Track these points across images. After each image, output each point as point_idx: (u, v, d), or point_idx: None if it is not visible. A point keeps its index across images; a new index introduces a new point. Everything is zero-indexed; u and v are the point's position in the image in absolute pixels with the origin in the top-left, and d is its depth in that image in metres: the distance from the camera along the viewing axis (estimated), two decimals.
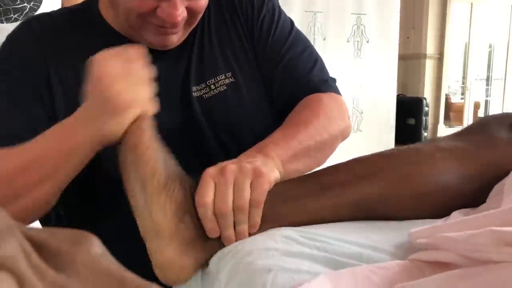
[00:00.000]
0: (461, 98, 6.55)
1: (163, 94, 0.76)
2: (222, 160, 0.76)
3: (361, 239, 0.55)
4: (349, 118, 0.81)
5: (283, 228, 0.57)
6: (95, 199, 0.76)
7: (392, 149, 0.64)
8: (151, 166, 0.55)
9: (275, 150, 0.64)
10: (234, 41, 0.80)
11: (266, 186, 0.57)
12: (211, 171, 0.58)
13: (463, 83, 6.48)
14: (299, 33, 0.85)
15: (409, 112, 5.15)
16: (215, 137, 0.77)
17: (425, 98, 5.34)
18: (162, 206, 0.54)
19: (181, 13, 0.68)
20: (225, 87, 0.78)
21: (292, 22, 0.86)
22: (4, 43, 0.76)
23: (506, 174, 0.58)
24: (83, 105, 0.61)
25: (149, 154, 0.56)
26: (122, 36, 0.77)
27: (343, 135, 0.78)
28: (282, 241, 0.54)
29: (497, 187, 0.58)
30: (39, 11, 1.39)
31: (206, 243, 0.56)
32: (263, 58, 0.80)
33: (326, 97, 0.78)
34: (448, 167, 0.59)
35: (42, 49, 0.74)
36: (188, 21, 0.73)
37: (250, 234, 0.57)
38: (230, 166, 0.58)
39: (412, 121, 5.22)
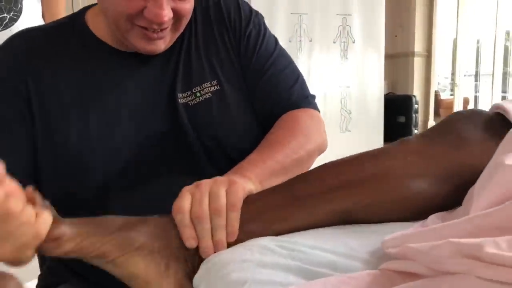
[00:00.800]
0: (451, 95, 6.59)
1: (150, 100, 0.77)
2: (208, 166, 0.78)
3: (337, 246, 0.55)
4: (325, 132, 0.83)
5: (260, 238, 0.57)
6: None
7: (363, 153, 0.64)
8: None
9: (251, 171, 0.65)
10: (220, 51, 0.82)
11: (240, 192, 0.58)
12: (187, 187, 0.59)
13: (452, 79, 6.52)
14: (282, 50, 0.88)
15: (399, 110, 5.17)
16: (201, 143, 0.78)
17: (414, 96, 5.36)
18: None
19: (167, 13, 0.70)
20: (210, 95, 0.79)
21: (276, 39, 0.89)
22: None
23: (479, 173, 0.57)
24: None
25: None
26: (108, 46, 0.78)
27: (320, 149, 0.80)
28: (258, 251, 0.54)
29: (470, 191, 0.58)
30: (19, 21, 1.38)
31: (187, 261, 0.57)
32: (247, 71, 0.82)
33: (304, 114, 0.81)
34: (419, 170, 0.59)
35: (22, 69, 0.75)
36: (174, 25, 0.75)
37: (228, 245, 0.57)
38: (205, 181, 0.60)
39: (402, 119, 5.23)
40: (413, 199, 0.59)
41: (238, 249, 0.55)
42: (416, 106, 5.31)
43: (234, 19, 0.84)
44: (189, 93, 0.78)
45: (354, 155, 0.64)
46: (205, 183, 0.59)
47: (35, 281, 0.85)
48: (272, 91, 0.82)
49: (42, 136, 0.74)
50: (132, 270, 0.55)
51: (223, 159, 0.78)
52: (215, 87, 0.80)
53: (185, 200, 0.57)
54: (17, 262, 0.52)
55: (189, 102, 0.78)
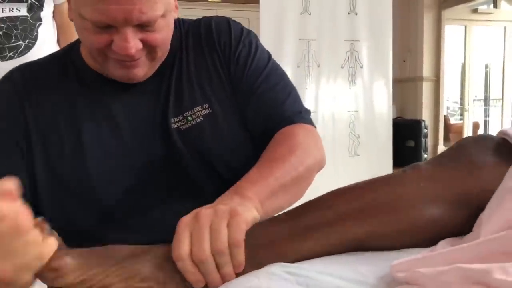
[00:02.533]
0: (460, 119, 6.57)
1: (144, 127, 0.78)
2: (206, 187, 0.78)
3: (346, 271, 0.55)
4: (323, 148, 0.81)
5: (267, 265, 0.56)
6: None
7: (375, 179, 0.63)
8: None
9: (252, 190, 0.63)
10: (211, 73, 0.81)
11: (242, 225, 0.56)
12: (185, 219, 0.57)
13: (461, 104, 6.52)
14: (274, 66, 0.86)
15: (408, 134, 5.17)
16: (197, 166, 0.78)
17: (423, 120, 5.37)
18: None
19: (134, 45, 0.69)
20: (202, 118, 0.78)
21: (269, 55, 0.87)
22: None
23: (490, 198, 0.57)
24: None
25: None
26: (100, 75, 0.79)
27: (319, 166, 0.78)
28: (265, 277, 0.53)
29: (480, 216, 0.58)
30: (34, 49, 1.41)
31: None
32: (239, 90, 0.81)
33: (300, 130, 0.79)
34: (432, 196, 0.59)
35: (21, 100, 0.76)
36: (149, 55, 0.74)
37: (236, 275, 0.55)
38: (204, 210, 0.57)
39: (411, 143, 5.23)
40: (426, 227, 0.58)
41: (245, 277, 0.55)
42: (425, 130, 5.30)
43: (224, 41, 0.83)
44: (181, 117, 0.78)
45: (366, 181, 0.63)
46: (204, 216, 0.56)
47: None
48: (263, 108, 0.81)
49: (41, 163, 0.74)
50: None
51: (220, 180, 0.77)
52: (207, 110, 0.79)
53: (183, 244, 0.54)
54: (13, 285, 0.51)
55: (181, 127, 0.77)
